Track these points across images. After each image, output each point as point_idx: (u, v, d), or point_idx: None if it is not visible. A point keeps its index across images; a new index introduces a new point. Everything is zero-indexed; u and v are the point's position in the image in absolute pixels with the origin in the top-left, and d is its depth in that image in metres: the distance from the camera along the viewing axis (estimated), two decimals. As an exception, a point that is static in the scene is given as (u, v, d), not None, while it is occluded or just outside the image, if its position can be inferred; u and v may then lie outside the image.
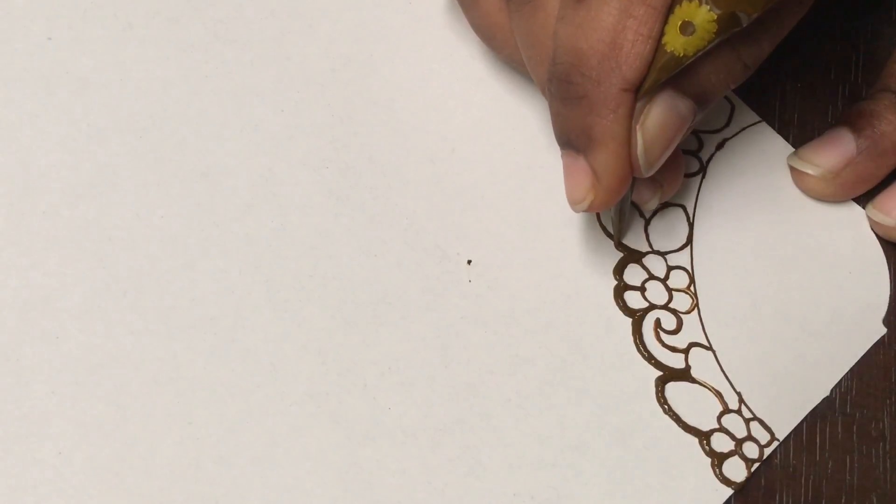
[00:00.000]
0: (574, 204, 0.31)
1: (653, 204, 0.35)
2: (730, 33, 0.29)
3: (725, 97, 0.38)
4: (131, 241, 0.33)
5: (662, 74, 0.29)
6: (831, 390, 0.34)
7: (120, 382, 0.32)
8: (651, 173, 0.31)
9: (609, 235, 0.35)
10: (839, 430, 0.34)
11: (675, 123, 0.30)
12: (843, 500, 0.33)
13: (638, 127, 0.30)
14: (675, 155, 0.32)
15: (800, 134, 0.38)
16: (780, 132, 0.38)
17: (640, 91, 0.29)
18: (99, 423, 0.31)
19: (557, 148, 0.36)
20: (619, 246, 0.35)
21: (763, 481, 0.33)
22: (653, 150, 0.30)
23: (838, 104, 0.39)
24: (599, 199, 0.31)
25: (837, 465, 0.33)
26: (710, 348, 0.34)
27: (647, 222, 0.36)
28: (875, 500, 0.33)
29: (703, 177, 0.37)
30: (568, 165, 0.31)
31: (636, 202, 0.35)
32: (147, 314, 0.32)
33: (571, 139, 0.30)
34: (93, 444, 0.31)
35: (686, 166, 0.37)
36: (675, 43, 0.29)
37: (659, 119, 0.30)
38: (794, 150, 0.37)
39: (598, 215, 0.36)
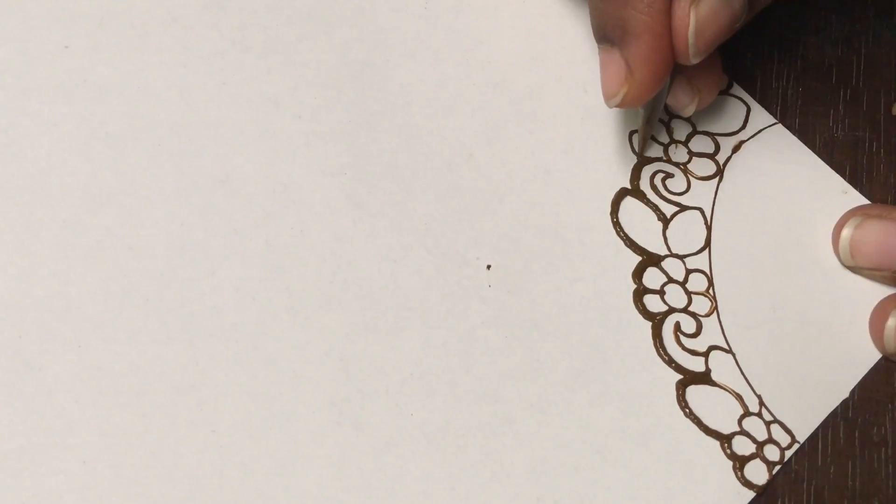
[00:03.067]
0: (608, 98, 0.32)
1: (690, 110, 0.35)
2: None
3: (740, 99, 0.38)
4: (152, 250, 0.33)
5: None
6: (834, 395, 0.34)
7: (142, 390, 0.32)
8: (697, 60, 0.32)
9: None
10: (841, 435, 0.34)
11: (726, 13, 0.31)
12: (846, 505, 0.33)
13: (692, 7, 0.30)
14: (714, 65, 0.33)
15: (801, 137, 0.38)
16: (782, 135, 0.38)
17: None
18: (122, 432, 0.31)
19: (574, 152, 0.36)
20: (641, 157, 0.36)
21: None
22: (703, 33, 0.31)
23: (839, 108, 0.39)
24: (633, 92, 0.32)
25: (839, 470, 0.34)
26: (729, 351, 0.34)
27: (666, 226, 0.36)
28: (877, 505, 0.33)
29: (721, 179, 0.37)
30: (604, 60, 0.32)
31: (674, 107, 0.36)
32: (168, 322, 0.32)
33: (607, 32, 0.31)
34: (117, 453, 0.31)
35: (703, 169, 0.37)
36: None
37: (712, 4, 0.31)
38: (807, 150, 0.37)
39: (629, 139, 0.36)
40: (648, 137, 0.36)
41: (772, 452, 0.33)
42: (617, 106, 0.32)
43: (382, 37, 0.37)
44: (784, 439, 0.33)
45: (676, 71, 0.33)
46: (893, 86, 0.39)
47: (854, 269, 0.36)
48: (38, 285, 0.32)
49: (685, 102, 0.35)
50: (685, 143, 0.37)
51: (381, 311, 0.33)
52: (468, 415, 0.32)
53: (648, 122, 0.35)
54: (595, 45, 0.33)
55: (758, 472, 0.33)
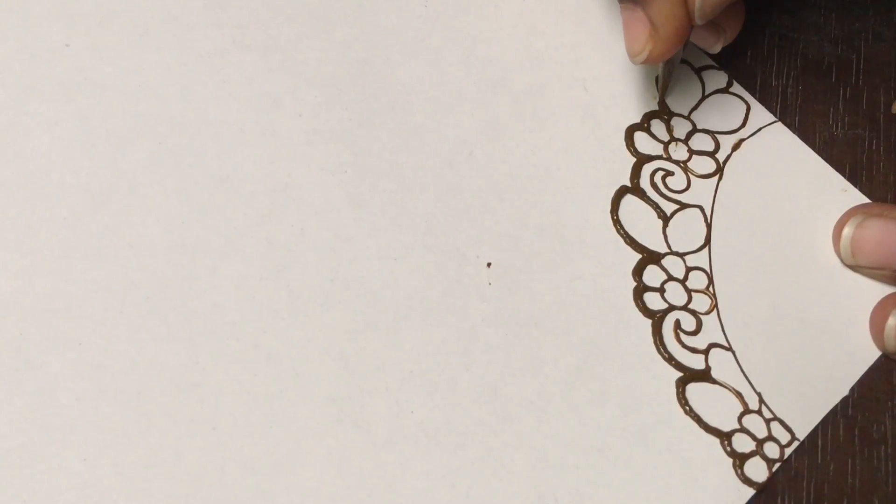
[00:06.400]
0: (633, 56, 0.33)
1: (717, 48, 0.36)
2: None
3: (740, 97, 0.38)
4: (152, 247, 0.33)
5: None
6: (833, 393, 0.34)
7: (143, 388, 0.32)
8: (703, 22, 0.32)
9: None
10: (841, 432, 0.34)
11: None
12: (844, 503, 0.33)
13: None
14: (737, 2, 0.34)
15: (801, 136, 0.38)
16: (782, 135, 0.38)
17: None
18: (123, 429, 0.31)
19: (574, 150, 0.36)
20: (662, 104, 0.37)
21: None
22: None
23: (839, 107, 0.39)
24: (657, 49, 0.32)
25: (839, 468, 0.34)
26: (729, 349, 0.34)
27: (666, 223, 0.36)
28: (877, 503, 0.33)
29: (721, 178, 0.37)
30: (627, 18, 0.33)
31: (701, 47, 0.37)
32: (169, 320, 0.32)
33: None
34: (117, 450, 0.31)
35: (703, 167, 0.37)
36: None
37: None
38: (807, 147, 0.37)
39: (655, 80, 0.37)
40: (668, 85, 0.37)
41: (771, 450, 0.33)
42: (642, 63, 0.33)
43: (383, 35, 0.38)
44: (784, 437, 0.33)
45: None
46: (893, 84, 0.39)
47: (854, 268, 0.36)
48: (39, 283, 0.32)
49: (711, 42, 0.36)
50: (685, 141, 0.37)
51: (381, 308, 0.33)
52: (468, 412, 0.32)
53: (669, 70, 0.36)
54: (596, 48, 0.33)
55: (758, 470, 0.33)
